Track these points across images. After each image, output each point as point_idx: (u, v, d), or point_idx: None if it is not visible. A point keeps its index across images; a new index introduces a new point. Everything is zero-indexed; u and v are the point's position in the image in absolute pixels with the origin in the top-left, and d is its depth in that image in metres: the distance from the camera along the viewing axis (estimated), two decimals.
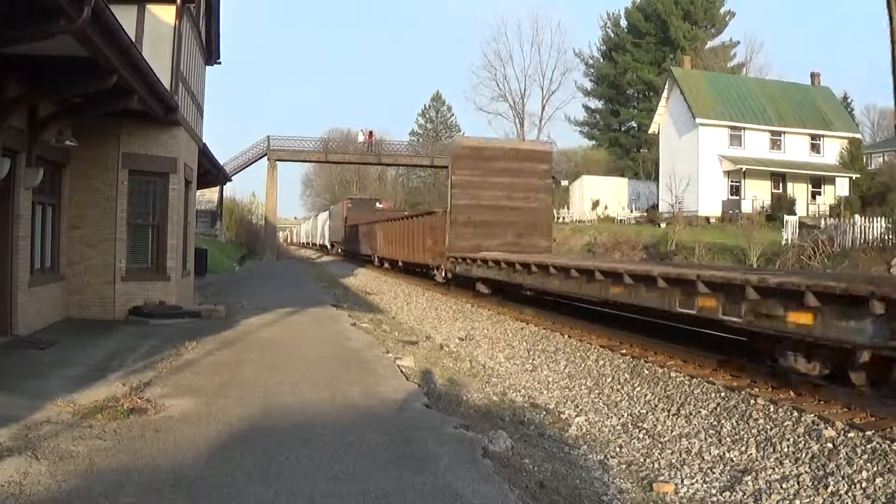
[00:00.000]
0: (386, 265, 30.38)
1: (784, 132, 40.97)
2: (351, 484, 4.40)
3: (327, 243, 57.22)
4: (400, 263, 26.41)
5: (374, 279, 28.17)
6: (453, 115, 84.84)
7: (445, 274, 19.39)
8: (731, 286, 7.60)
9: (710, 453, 6.15)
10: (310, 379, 7.51)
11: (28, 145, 9.43)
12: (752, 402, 6.95)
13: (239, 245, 47.00)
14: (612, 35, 63.00)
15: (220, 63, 18.07)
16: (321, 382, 7.36)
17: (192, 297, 15.31)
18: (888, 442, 5.50)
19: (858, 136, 44.61)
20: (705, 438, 6.48)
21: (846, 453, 5.53)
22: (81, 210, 11.69)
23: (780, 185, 40.29)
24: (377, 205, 45.64)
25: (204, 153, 17.51)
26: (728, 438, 6.37)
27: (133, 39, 9.36)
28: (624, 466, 6.07)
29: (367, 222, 35.65)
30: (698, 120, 39.68)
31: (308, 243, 77.20)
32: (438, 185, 73.74)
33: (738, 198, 38.89)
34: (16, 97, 8.63)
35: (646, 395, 7.99)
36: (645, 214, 42.99)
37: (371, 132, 54.18)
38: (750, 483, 5.43)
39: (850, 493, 5.02)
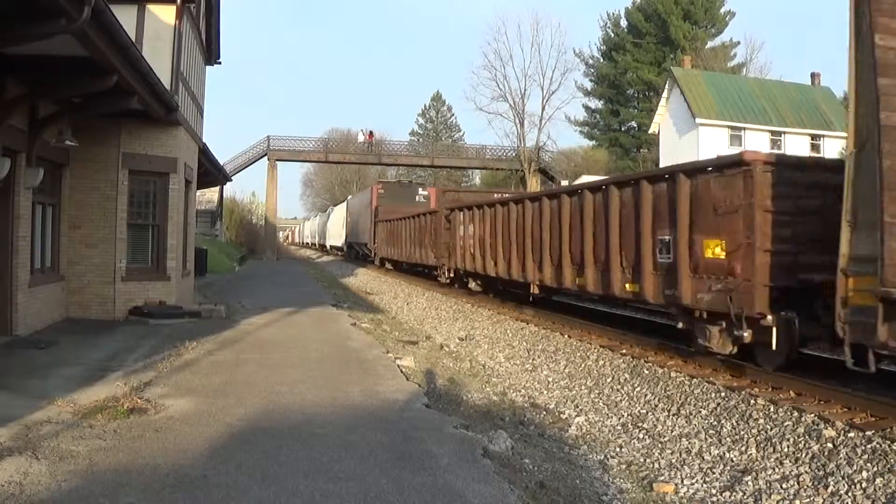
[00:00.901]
0: (472, 285, 17.80)
1: (784, 132, 40.94)
2: (351, 484, 4.40)
3: (342, 245, 44.96)
4: (535, 290, 13.21)
5: (375, 279, 28.15)
6: (453, 115, 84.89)
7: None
8: None
9: (710, 453, 6.15)
10: (310, 379, 7.51)
11: (28, 145, 9.44)
12: (752, 402, 6.94)
13: (239, 245, 47.01)
14: (612, 35, 62.93)
15: (220, 63, 18.09)
16: (321, 382, 7.36)
17: (192, 297, 15.31)
18: (888, 442, 5.50)
19: None
20: (705, 438, 6.48)
21: (846, 453, 5.53)
22: (81, 210, 11.70)
23: None
24: (420, 191, 33.81)
25: (204, 153, 17.52)
26: (728, 438, 6.36)
27: (133, 39, 9.36)
28: (624, 466, 6.07)
29: (417, 214, 23.42)
30: (698, 120, 39.66)
31: (314, 244, 68.30)
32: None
33: None
34: (16, 97, 8.63)
35: (646, 395, 7.99)
36: None
37: (371, 132, 54.17)
38: (750, 483, 5.43)
39: (850, 493, 5.01)
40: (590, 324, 12.12)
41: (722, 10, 58.35)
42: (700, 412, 7.11)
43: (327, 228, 55.11)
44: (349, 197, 47.26)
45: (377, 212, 31.55)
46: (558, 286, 12.23)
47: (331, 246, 53.47)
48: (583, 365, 9.77)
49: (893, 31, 5.77)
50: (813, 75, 45.64)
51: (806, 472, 5.44)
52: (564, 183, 44.35)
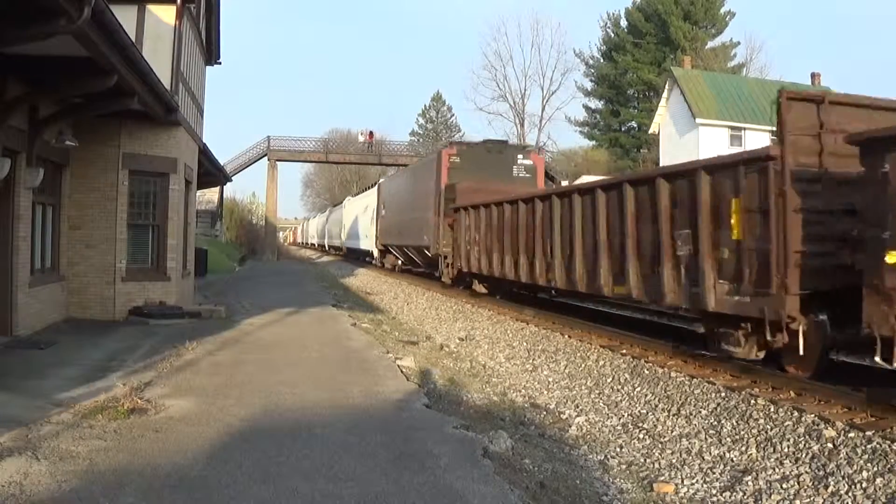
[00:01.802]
0: None
1: None
2: (351, 484, 4.39)
3: (370, 248, 31.99)
4: None
5: (375, 279, 28.12)
6: (453, 115, 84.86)
7: None
8: None
9: (710, 453, 6.15)
10: (310, 379, 7.51)
11: (28, 145, 9.44)
12: (753, 402, 6.94)
13: (239, 245, 47.07)
14: (613, 35, 62.94)
15: (220, 63, 18.11)
16: (321, 383, 7.36)
17: (193, 297, 15.31)
18: (888, 442, 5.49)
19: None
20: (705, 438, 6.48)
21: (846, 453, 5.53)
22: (82, 210, 11.71)
23: None
24: (519, 159, 20.54)
25: (204, 153, 17.52)
26: (728, 438, 6.36)
27: (133, 39, 9.37)
28: (624, 466, 6.07)
29: (628, 180, 10.10)
30: (698, 120, 39.68)
31: (320, 246, 59.15)
32: None
33: None
34: (16, 97, 8.64)
35: (646, 396, 7.99)
36: None
37: (371, 132, 54.19)
38: (750, 483, 5.43)
39: (850, 493, 5.01)
40: (590, 324, 12.12)
41: (722, 11, 58.35)
42: (700, 412, 7.11)
43: (341, 225, 43.62)
44: (381, 179, 32.88)
45: (451, 193, 18.76)
46: None
47: (348, 249, 40.55)
48: (583, 365, 9.76)
49: None
50: (813, 75, 45.62)
51: (806, 472, 5.44)
52: (565, 184, 42.80)
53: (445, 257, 19.23)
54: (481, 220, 16.20)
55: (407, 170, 27.81)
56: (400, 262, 27.65)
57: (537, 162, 20.89)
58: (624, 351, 9.97)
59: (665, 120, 43.79)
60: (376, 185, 32.00)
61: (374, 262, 31.98)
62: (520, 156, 20.84)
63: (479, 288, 17.63)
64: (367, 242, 32.71)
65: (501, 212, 14.97)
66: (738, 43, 58.44)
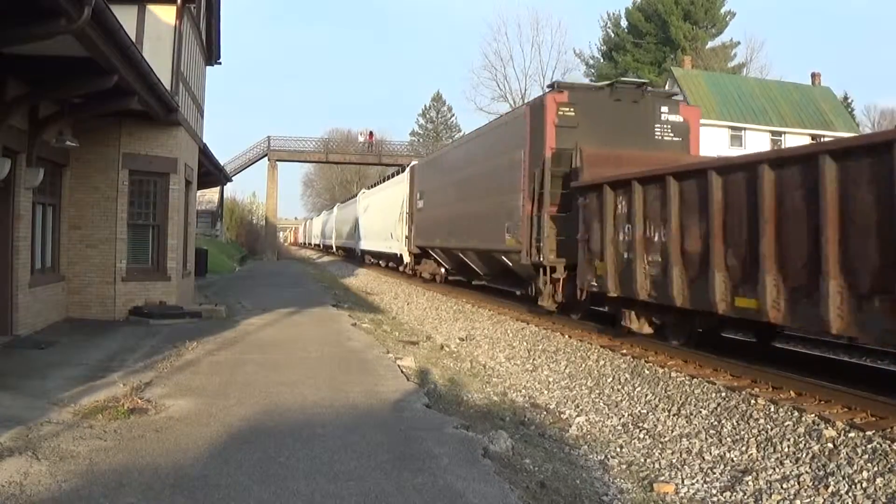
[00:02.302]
0: None
1: (785, 132, 40.97)
2: (351, 484, 4.39)
3: (401, 251, 24.86)
4: None
5: (375, 279, 28.13)
6: (454, 115, 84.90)
7: None
8: None
9: (710, 453, 6.14)
10: (310, 379, 7.50)
11: (28, 145, 9.44)
12: (753, 402, 6.94)
13: (239, 245, 47.12)
14: (613, 35, 62.96)
15: (220, 63, 18.13)
16: (321, 383, 7.36)
17: (193, 297, 15.32)
18: (888, 442, 5.49)
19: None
20: (706, 438, 6.47)
21: (847, 453, 5.53)
22: (82, 210, 11.71)
23: None
24: (663, 112, 13.10)
25: (204, 153, 17.54)
26: (728, 438, 6.36)
27: (133, 39, 9.37)
28: (624, 466, 6.07)
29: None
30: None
31: (327, 247, 53.78)
32: None
33: None
34: (16, 97, 8.64)
35: (646, 396, 7.98)
36: None
37: (371, 132, 54.25)
38: (750, 483, 5.43)
39: (850, 493, 5.01)
40: (590, 324, 12.11)
41: (722, 11, 58.37)
42: (700, 412, 7.11)
43: (354, 224, 36.31)
44: (414, 162, 25.87)
45: (563, 163, 12.23)
46: None
47: (363, 251, 33.74)
48: (583, 365, 9.76)
49: None
50: (813, 75, 45.68)
51: (806, 472, 5.44)
52: None
53: (553, 270, 12.28)
54: (669, 207, 8.72)
55: (467, 138, 19.44)
56: (443, 270, 21.49)
57: (690, 118, 13.62)
58: (624, 351, 9.96)
59: None
60: (407, 170, 24.98)
61: (404, 269, 25.18)
62: (664, 108, 13.49)
63: (638, 326, 10.18)
64: (393, 244, 26.00)
65: (749, 185, 7.35)
66: (738, 43, 58.52)
